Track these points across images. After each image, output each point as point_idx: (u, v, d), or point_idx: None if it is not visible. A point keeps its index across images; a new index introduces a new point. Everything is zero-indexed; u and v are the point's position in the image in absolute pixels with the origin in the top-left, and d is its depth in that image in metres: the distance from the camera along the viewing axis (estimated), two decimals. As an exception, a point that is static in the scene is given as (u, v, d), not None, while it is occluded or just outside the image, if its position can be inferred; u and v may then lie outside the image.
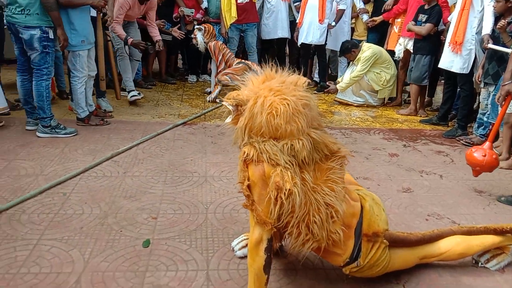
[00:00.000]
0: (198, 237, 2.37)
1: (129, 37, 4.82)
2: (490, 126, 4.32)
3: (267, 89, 1.69)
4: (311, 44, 6.37)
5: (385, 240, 1.94)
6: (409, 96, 5.76)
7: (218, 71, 5.63)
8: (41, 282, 1.92)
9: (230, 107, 1.71)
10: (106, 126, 4.20)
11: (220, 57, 5.60)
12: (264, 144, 1.65)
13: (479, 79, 4.24)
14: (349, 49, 5.65)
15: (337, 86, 5.77)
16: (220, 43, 5.69)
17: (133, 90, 5.05)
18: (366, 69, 5.57)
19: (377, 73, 5.66)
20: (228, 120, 1.76)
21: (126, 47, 5.05)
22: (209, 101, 5.42)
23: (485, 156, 2.91)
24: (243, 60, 5.66)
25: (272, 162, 1.64)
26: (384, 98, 5.86)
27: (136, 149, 3.64)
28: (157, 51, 6.20)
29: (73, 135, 3.85)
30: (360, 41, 6.37)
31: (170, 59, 6.75)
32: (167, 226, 2.46)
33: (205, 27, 5.63)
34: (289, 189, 1.61)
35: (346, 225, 1.81)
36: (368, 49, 5.56)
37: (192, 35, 5.70)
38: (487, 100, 4.27)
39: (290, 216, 1.68)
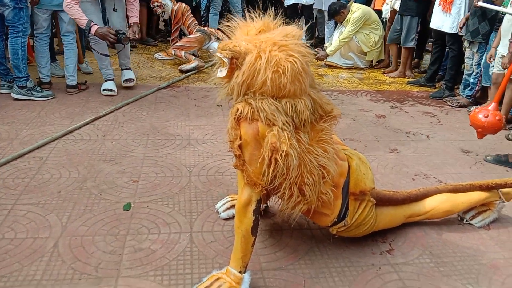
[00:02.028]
0: (181, 199, 2.30)
1: (93, 23, 3.45)
2: (477, 87, 4.29)
3: (271, 42, 1.55)
4: (298, 4, 6.17)
5: (372, 199, 1.90)
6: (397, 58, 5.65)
7: (172, 38, 5.35)
8: (17, 248, 1.85)
9: (225, 60, 1.54)
10: (85, 89, 4.04)
11: (180, 23, 5.25)
12: (262, 102, 1.54)
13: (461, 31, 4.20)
14: (338, 11, 5.48)
15: (327, 50, 5.62)
16: (184, 5, 5.26)
17: (110, 80, 3.98)
18: (356, 30, 5.42)
19: (366, 34, 5.53)
20: (221, 74, 1.58)
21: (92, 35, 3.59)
22: (183, 70, 4.83)
23: (487, 117, 2.76)
24: (203, 28, 5.24)
25: (268, 122, 1.54)
26: (372, 60, 5.75)
27: (116, 112, 3.51)
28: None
29: (50, 99, 3.69)
30: (348, 0, 6.18)
31: (151, 20, 6.48)
32: (149, 189, 2.38)
33: None
34: (286, 151, 1.53)
35: (334, 185, 1.76)
36: (357, 10, 5.40)
37: (155, 3, 5.19)
38: (472, 60, 4.21)
39: (283, 178, 1.61)
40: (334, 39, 5.63)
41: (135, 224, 2.06)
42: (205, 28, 5.21)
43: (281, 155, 1.54)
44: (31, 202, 2.19)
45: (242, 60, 1.54)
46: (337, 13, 5.49)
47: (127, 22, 3.98)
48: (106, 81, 3.99)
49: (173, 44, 5.22)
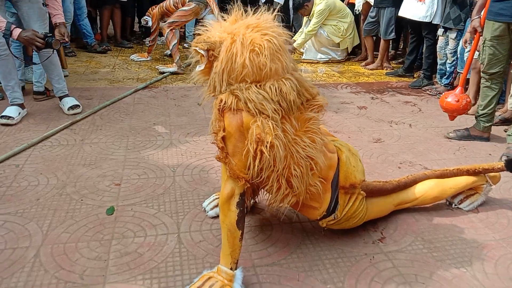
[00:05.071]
0: (166, 200, 2.23)
1: (13, 26, 2.87)
2: (454, 74, 4.34)
3: (243, 26, 1.53)
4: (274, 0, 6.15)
5: (362, 192, 1.87)
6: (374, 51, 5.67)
7: (149, 41, 5.17)
8: (-5, 259, 1.75)
9: (202, 52, 1.51)
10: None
11: (155, 26, 5.05)
12: (248, 92, 1.50)
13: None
14: (302, 4, 5.44)
15: (294, 44, 5.56)
16: (157, 7, 5.01)
17: (17, 104, 3.22)
18: (321, 22, 5.40)
19: (334, 25, 5.50)
20: (200, 68, 1.56)
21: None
22: (160, 71, 4.73)
23: (458, 101, 3.01)
24: None
25: (256, 112, 1.50)
26: (347, 48, 5.74)
27: (94, 115, 3.41)
28: (112, 12, 5.81)
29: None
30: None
31: (125, 21, 6.36)
32: (132, 192, 2.30)
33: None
34: (271, 142, 1.49)
35: (323, 178, 1.72)
36: (320, 2, 5.36)
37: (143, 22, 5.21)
38: (444, 49, 4.26)
39: (271, 170, 1.57)
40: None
41: (119, 228, 1.99)
42: None
43: (266, 146, 1.49)
44: (9, 211, 2.08)
45: (218, 50, 1.51)
46: (301, 7, 5.45)
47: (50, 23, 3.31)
48: (11, 105, 3.23)
49: (167, 23, 4.80)
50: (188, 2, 4.74)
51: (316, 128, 1.66)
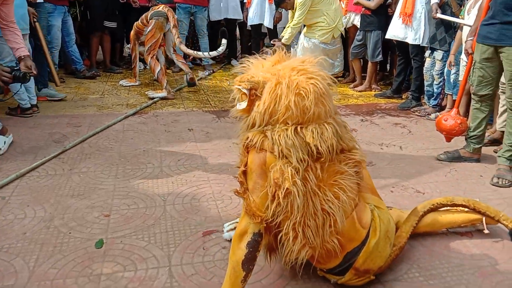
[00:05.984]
0: (157, 231, 2.18)
1: None
2: (441, 95, 4.40)
3: (288, 68, 1.54)
4: (262, 24, 6.21)
5: (372, 276, 1.76)
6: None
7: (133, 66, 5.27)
8: (-22, 300, 1.69)
9: (245, 91, 1.52)
10: (48, 121, 3.86)
11: (132, 47, 5.12)
12: (279, 135, 1.48)
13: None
14: None
15: (282, 40, 5.23)
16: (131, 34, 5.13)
17: None
18: (305, 13, 5.07)
19: (319, 25, 5.17)
20: (241, 106, 1.56)
21: None
22: (150, 97, 4.74)
23: (446, 120, 3.11)
24: (157, 10, 4.82)
25: (281, 155, 1.48)
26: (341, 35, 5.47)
27: (82, 144, 3.37)
28: (101, 38, 5.83)
29: None
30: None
31: (115, 47, 6.37)
32: (121, 223, 2.25)
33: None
34: (287, 188, 1.46)
35: (340, 244, 1.61)
36: None
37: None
38: (431, 70, 4.33)
39: (285, 216, 1.53)
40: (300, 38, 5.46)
41: (109, 262, 1.93)
42: (160, 8, 4.84)
43: (282, 192, 1.47)
44: (-6, 247, 2.02)
45: (261, 90, 1.52)
46: (283, 1, 5.26)
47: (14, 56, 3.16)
48: None
49: (145, 53, 4.86)
50: (150, 20, 4.79)
51: (345, 185, 1.57)
